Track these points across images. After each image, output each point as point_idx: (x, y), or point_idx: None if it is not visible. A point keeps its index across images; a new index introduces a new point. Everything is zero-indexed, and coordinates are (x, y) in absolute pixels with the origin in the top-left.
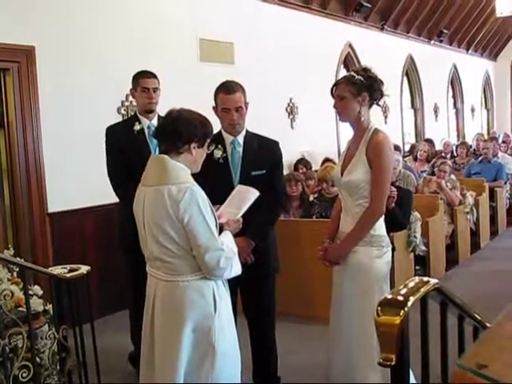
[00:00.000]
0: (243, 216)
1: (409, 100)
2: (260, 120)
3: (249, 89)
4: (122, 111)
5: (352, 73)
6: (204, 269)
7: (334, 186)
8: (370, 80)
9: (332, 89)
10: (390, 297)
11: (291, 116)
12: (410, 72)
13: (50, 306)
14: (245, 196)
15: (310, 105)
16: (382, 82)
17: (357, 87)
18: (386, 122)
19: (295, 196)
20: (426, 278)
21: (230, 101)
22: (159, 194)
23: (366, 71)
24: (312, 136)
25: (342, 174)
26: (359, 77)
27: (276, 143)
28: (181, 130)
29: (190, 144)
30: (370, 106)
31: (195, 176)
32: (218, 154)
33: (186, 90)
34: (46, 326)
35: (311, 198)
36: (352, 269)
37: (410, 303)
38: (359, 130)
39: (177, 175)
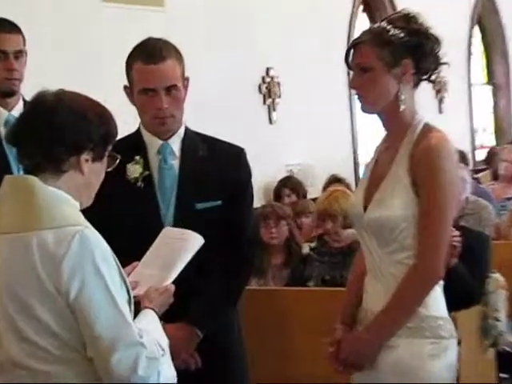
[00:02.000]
0: (179, 281)
1: (483, 71)
2: (211, 109)
3: (190, 53)
4: None
5: (384, 24)
6: (108, 379)
7: (348, 228)
8: (416, 36)
9: (347, 53)
10: None
11: (268, 101)
12: (486, 18)
13: None
14: (179, 246)
15: (302, 81)
16: (437, 41)
17: (393, 50)
18: (441, 111)
19: (276, 246)
20: None
21: (154, 75)
22: (22, 248)
23: (408, 21)
24: (307, 137)
25: (365, 207)
26: (397, 31)
27: (239, 152)
28: (61, 129)
29: (80, 155)
30: (417, 85)
31: (90, 213)
32: (134, 171)
33: (75, 56)
34: None
35: (306, 250)
36: (387, 377)
37: None
38: (396, 128)
39: (55, 213)
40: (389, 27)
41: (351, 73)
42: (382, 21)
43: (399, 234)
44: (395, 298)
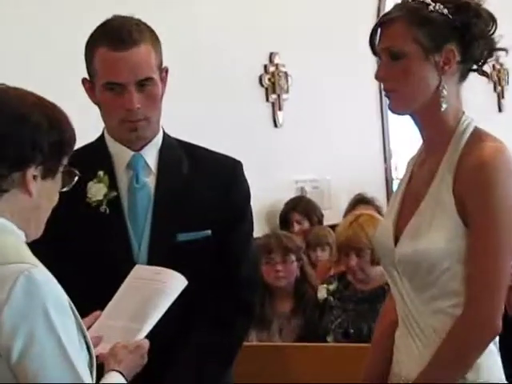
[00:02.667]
0: (155, 336)
1: None
2: (197, 108)
3: (170, 37)
4: None
5: None
6: None
7: (377, 265)
8: (464, 14)
9: (373, 34)
10: None
11: (273, 97)
12: None
13: None
14: (155, 290)
15: (316, 71)
16: (492, 19)
17: (434, 31)
18: (500, 109)
19: (284, 288)
20: None
21: (122, 65)
22: None
23: None
24: (322, 145)
25: (396, 238)
26: (439, 7)
27: (234, 165)
28: (1, 135)
29: (26, 169)
30: (464, 77)
31: (39, 246)
32: (96, 192)
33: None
34: None
35: (323, 294)
36: None
37: None
38: (436, 134)
39: None
40: (429, 0)
41: (372, 61)
42: None
43: (441, 276)
44: (436, 361)
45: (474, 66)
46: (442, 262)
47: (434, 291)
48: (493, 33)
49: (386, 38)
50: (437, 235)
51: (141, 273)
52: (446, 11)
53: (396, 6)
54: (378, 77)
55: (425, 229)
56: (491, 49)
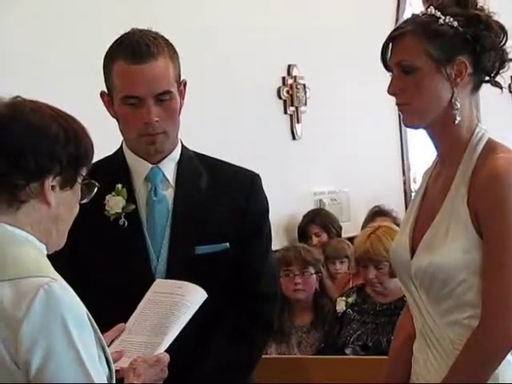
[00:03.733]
0: (175, 350)
1: None
2: (215, 121)
3: (188, 50)
4: None
5: (432, 10)
6: None
7: (395, 277)
8: (474, 26)
9: (384, 49)
10: None
11: (291, 109)
12: None
13: None
14: (175, 304)
15: (334, 83)
16: (502, 30)
17: (445, 44)
18: None
19: (302, 301)
20: None
21: (140, 79)
22: None
23: (464, 5)
24: (341, 157)
25: (412, 250)
26: (450, 19)
27: (252, 178)
28: (16, 148)
29: (44, 179)
30: (477, 88)
31: (60, 259)
32: (114, 204)
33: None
34: None
35: (341, 307)
36: None
37: None
38: (450, 146)
39: (12, 258)
40: (439, 14)
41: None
42: (429, 5)
43: (456, 288)
44: (454, 372)
45: (487, 78)
46: (458, 273)
47: (450, 303)
48: (504, 44)
49: (397, 53)
50: (453, 247)
51: (161, 287)
52: (456, 24)
53: (406, 21)
54: (390, 91)
55: (440, 241)
56: (503, 60)
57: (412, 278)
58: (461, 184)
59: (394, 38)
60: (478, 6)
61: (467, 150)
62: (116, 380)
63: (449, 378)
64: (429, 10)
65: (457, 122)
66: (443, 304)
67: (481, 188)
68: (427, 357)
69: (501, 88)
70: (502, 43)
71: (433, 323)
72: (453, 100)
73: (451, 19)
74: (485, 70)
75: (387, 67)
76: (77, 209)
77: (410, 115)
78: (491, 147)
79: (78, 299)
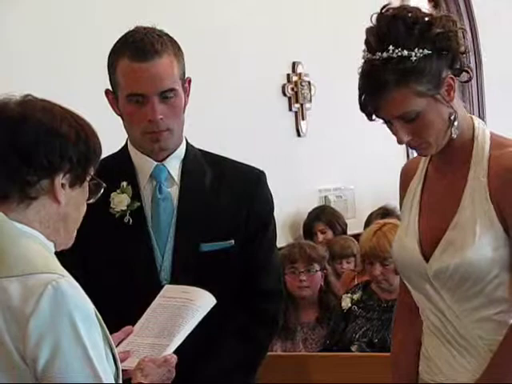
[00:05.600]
0: (183, 351)
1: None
2: (219, 118)
3: (192, 47)
4: None
5: (397, 51)
6: None
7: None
8: (441, 44)
9: (364, 105)
10: None
11: (296, 106)
12: None
13: None
14: (183, 307)
15: (339, 80)
16: (457, 25)
17: (428, 75)
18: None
19: (308, 298)
20: None
21: (144, 77)
22: None
23: (418, 19)
24: (346, 154)
25: (423, 252)
26: (418, 51)
27: (258, 175)
28: (28, 146)
29: (54, 176)
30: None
31: (63, 256)
32: (119, 202)
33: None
34: None
35: (347, 304)
36: None
37: None
38: (456, 147)
39: (20, 255)
40: (406, 53)
41: None
42: (384, 43)
43: (488, 285)
44: (493, 368)
45: (465, 78)
46: (490, 271)
47: (480, 300)
48: (457, 28)
49: (391, 109)
50: (482, 244)
51: (170, 292)
52: (426, 51)
53: (377, 68)
54: (402, 142)
55: (468, 240)
56: (462, 45)
57: (430, 280)
58: (477, 181)
59: (375, 94)
60: (427, 12)
61: (474, 147)
62: (123, 380)
63: (488, 374)
64: (390, 50)
65: (455, 136)
66: (472, 302)
67: (502, 183)
68: (450, 354)
69: (471, 73)
70: (457, 31)
71: (457, 322)
72: (451, 118)
73: (420, 50)
74: (462, 68)
75: (370, 116)
76: (84, 208)
77: (428, 150)
78: (499, 143)
79: (85, 296)
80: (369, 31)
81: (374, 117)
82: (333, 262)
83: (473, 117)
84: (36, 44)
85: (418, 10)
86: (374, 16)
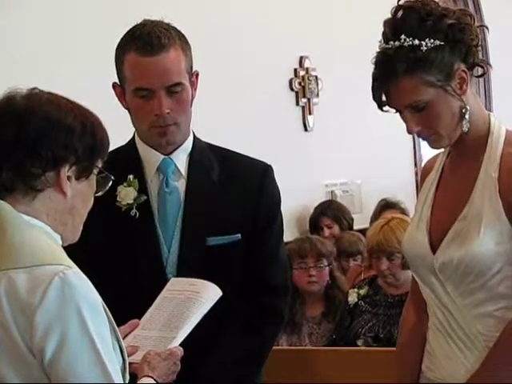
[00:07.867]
0: (189, 344)
1: None
2: (226, 112)
3: (200, 41)
4: None
5: (408, 40)
6: None
7: (408, 269)
8: (453, 35)
9: (377, 94)
10: None
11: (303, 101)
12: None
13: None
14: (189, 299)
15: (347, 75)
16: (472, 18)
17: (438, 66)
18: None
19: (314, 292)
20: None
21: (151, 70)
22: None
23: (432, 11)
24: (353, 148)
25: (432, 245)
26: (429, 41)
27: (265, 169)
28: (34, 139)
29: (59, 168)
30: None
31: (69, 250)
32: (126, 195)
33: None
34: None
35: (353, 298)
36: None
37: None
38: (471, 140)
39: (28, 247)
40: (417, 42)
41: None
42: (398, 33)
43: (490, 279)
44: (489, 363)
45: (480, 71)
46: (493, 265)
47: (482, 295)
48: (474, 23)
49: (400, 97)
50: (487, 238)
51: (176, 285)
52: (437, 42)
53: (389, 57)
54: (411, 132)
55: (474, 232)
56: (478, 38)
57: (435, 272)
58: (489, 176)
59: (386, 81)
60: (439, 8)
61: (489, 143)
62: (129, 373)
63: (483, 369)
64: (402, 39)
65: (465, 130)
66: (474, 296)
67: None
68: (448, 349)
69: (486, 67)
70: (472, 25)
71: (461, 316)
72: (463, 111)
73: (431, 40)
74: (476, 62)
75: (381, 107)
76: (91, 201)
77: (438, 142)
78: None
79: (92, 287)
80: (385, 22)
81: (385, 108)
82: (339, 259)
83: (491, 114)
84: (44, 37)
85: (434, 2)
86: (393, 8)
